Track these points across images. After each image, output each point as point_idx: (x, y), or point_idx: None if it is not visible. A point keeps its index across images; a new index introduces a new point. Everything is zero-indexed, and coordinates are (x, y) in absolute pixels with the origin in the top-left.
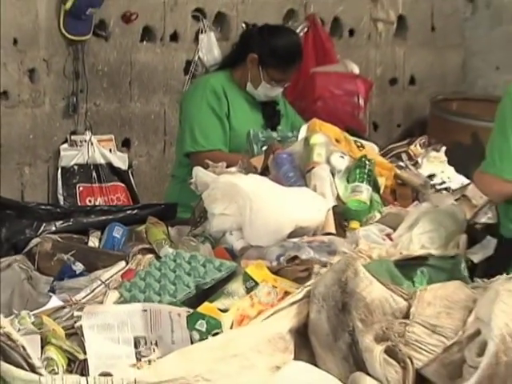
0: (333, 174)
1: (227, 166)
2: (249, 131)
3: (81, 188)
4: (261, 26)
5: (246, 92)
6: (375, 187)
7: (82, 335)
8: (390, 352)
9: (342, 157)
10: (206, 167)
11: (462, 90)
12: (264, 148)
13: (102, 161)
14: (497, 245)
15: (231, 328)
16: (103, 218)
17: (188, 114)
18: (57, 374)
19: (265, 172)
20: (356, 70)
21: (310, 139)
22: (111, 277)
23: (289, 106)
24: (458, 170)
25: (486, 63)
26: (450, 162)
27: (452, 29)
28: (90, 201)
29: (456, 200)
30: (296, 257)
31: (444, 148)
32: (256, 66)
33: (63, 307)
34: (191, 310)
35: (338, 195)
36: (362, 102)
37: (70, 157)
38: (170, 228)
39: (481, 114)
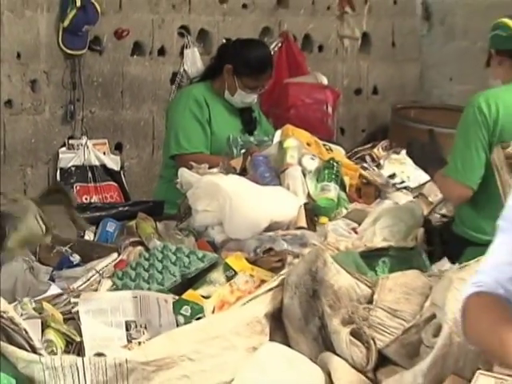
0: (304, 175)
1: (209, 167)
2: (229, 136)
3: (78, 187)
4: (234, 40)
5: (225, 100)
6: (342, 186)
7: (79, 319)
8: (355, 334)
9: (313, 159)
10: (190, 168)
11: (420, 99)
12: (242, 151)
13: (97, 162)
14: (450, 238)
15: (213, 313)
16: (98, 214)
17: (173, 120)
18: (56, 354)
19: (243, 172)
20: (325, 81)
21: (283, 143)
22: (105, 267)
23: (262, 115)
24: (415, 163)
25: (440, 75)
26: (408, 154)
27: (410, 44)
28: (86, 199)
29: (414, 197)
30: (271, 248)
31: (404, 151)
32: (231, 75)
33: (61, 294)
34: (177, 297)
35: (308, 193)
36: (330, 109)
37: (68, 159)
38: (157, 223)
39: (436, 120)
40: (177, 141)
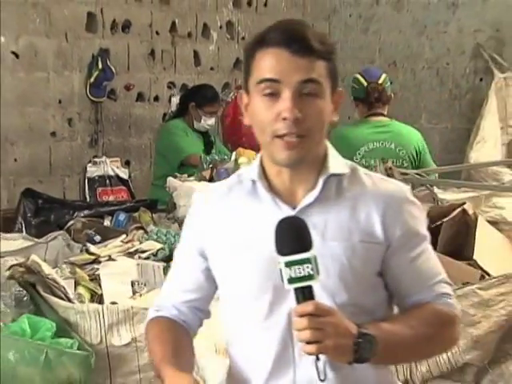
0: None
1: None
2: (201, 155)
3: (99, 190)
4: (190, 88)
5: (192, 130)
6: None
7: (100, 279)
8: None
9: None
10: (174, 177)
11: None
12: (210, 165)
13: (112, 173)
14: None
15: None
16: (113, 208)
17: (165, 140)
18: (84, 303)
19: (211, 180)
20: None
21: (238, 160)
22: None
23: (218, 141)
24: None
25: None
26: None
27: None
28: (105, 198)
29: None
30: None
31: None
32: (196, 109)
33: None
34: (166, 264)
35: None
36: None
37: (93, 171)
38: (153, 214)
39: None
40: (179, 149)
